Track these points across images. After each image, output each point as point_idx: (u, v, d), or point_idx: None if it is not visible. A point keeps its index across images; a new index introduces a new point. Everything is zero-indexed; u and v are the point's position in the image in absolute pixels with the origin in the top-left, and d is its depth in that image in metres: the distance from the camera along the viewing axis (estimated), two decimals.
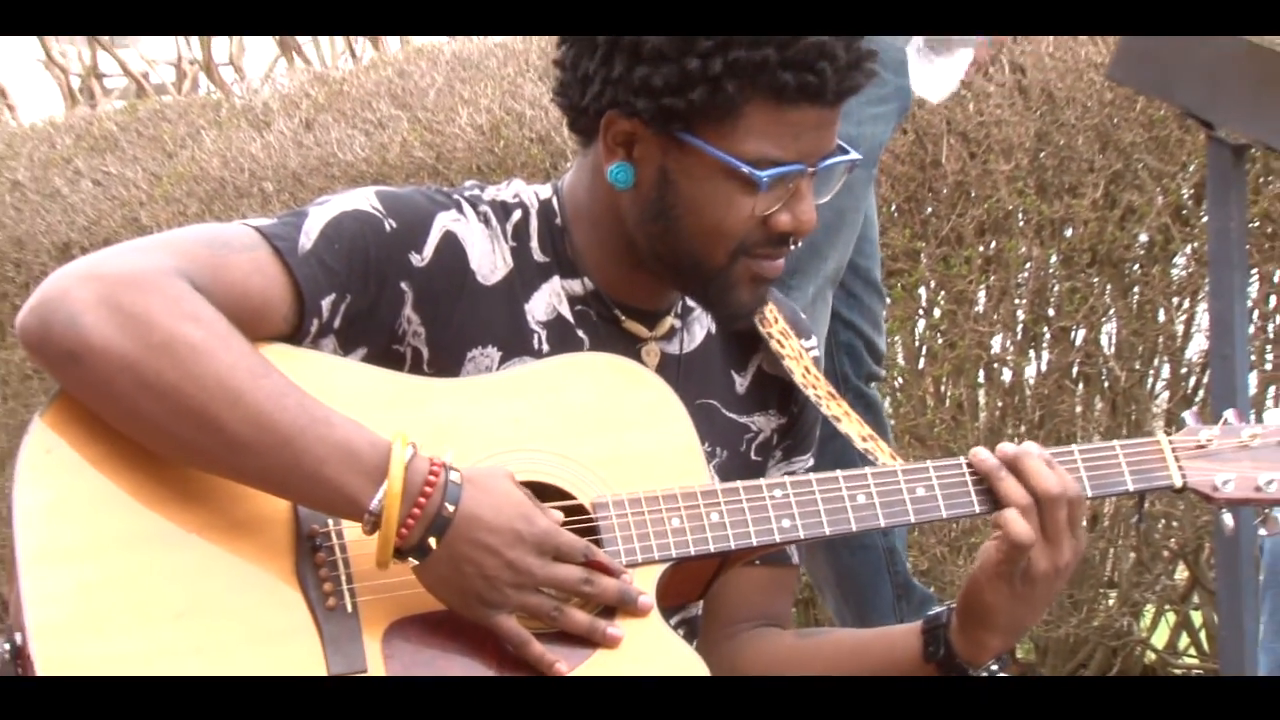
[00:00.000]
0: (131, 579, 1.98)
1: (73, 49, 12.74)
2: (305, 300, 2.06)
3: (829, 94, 2.14)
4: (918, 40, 3.37)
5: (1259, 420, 2.21)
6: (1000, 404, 4.93)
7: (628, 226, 2.20)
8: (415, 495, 1.96)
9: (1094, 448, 2.19)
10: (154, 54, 13.17)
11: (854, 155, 2.24)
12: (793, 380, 2.29)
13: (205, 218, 6.24)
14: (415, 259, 2.14)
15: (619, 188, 2.17)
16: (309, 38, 11.83)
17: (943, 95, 3.45)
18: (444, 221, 2.17)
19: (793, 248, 2.19)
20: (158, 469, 2.01)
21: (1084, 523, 2.13)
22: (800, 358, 2.30)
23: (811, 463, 2.39)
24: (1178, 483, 2.18)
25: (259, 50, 12.40)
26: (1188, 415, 2.24)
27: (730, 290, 2.19)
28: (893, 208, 4.72)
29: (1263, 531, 2.24)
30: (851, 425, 2.27)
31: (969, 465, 2.15)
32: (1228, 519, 2.21)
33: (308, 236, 2.09)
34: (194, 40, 12.15)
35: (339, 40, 11.69)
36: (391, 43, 11.07)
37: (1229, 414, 2.21)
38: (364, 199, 2.14)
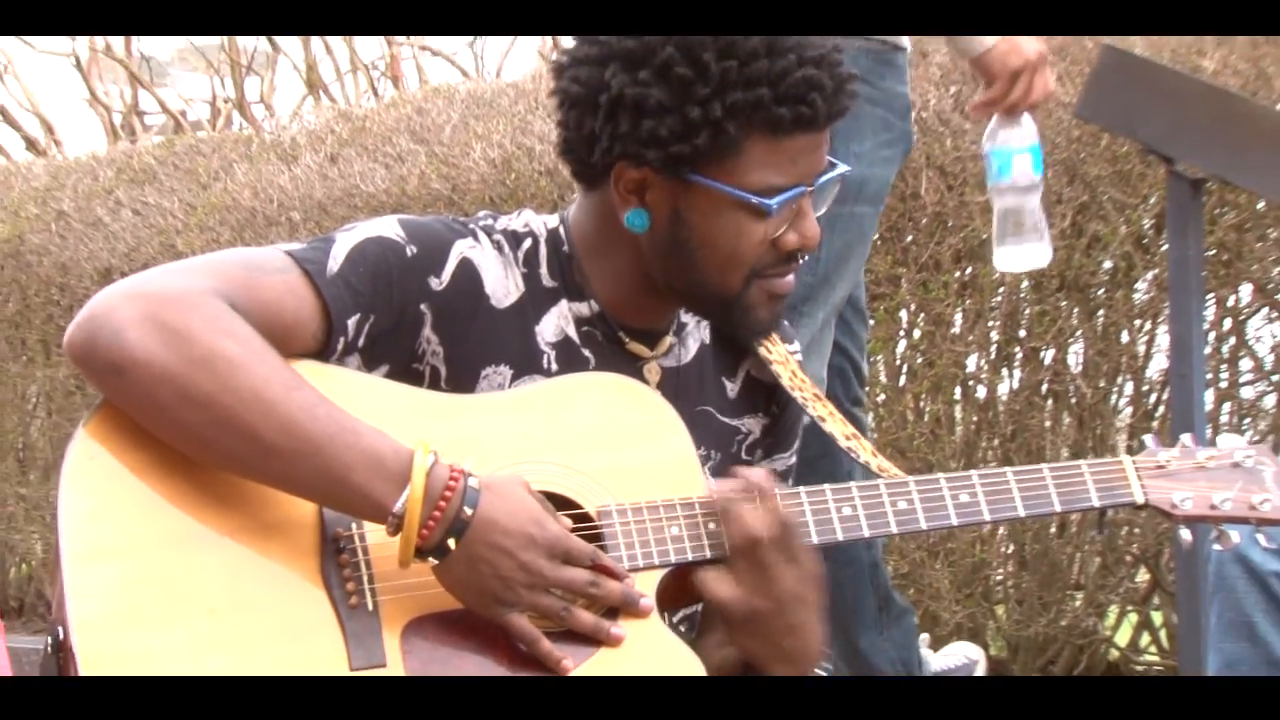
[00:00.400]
0: (167, 577, 1.99)
1: (115, 88, 12.77)
2: (333, 319, 2.08)
3: (821, 120, 2.16)
4: (995, 231, 3.44)
5: (1214, 442, 2.23)
6: (975, 419, 4.93)
7: (643, 264, 2.22)
8: (436, 499, 1.97)
9: (1062, 466, 2.19)
10: (190, 92, 13.20)
11: (843, 168, 2.24)
12: (780, 382, 2.30)
13: (237, 245, 6.24)
14: (434, 283, 2.15)
15: (636, 232, 2.18)
16: (334, 78, 11.83)
17: (1049, 258, 3.49)
18: (461, 249, 2.18)
19: (801, 261, 2.21)
20: (192, 474, 2.02)
21: (797, 552, 2.07)
22: (787, 361, 2.31)
23: (794, 460, 2.41)
24: (1139, 500, 2.19)
25: (288, 89, 12.41)
26: (1148, 438, 2.26)
27: (750, 312, 2.21)
28: (876, 237, 4.71)
29: (1217, 546, 2.24)
30: (835, 425, 2.29)
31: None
32: (1185, 534, 2.22)
33: (335, 260, 2.11)
34: (228, 80, 12.16)
35: (362, 80, 11.69)
36: (411, 82, 11.09)
37: (1185, 438, 2.23)
38: (388, 226, 2.16)
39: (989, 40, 3.37)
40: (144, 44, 12.86)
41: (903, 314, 4.94)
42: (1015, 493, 2.17)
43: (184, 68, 13.75)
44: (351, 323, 2.10)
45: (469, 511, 1.97)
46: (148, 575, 1.98)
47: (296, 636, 2.00)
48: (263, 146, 6.75)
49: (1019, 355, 4.87)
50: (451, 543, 1.98)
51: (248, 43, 12.20)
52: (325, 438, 1.97)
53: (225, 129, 10.39)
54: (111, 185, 7.06)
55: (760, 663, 2.11)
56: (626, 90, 2.13)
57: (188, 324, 1.97)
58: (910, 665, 3.87)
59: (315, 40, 11.75)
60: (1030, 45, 3.37)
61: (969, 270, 4.82)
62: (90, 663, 1.92)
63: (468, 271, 2.17)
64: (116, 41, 12.45)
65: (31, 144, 12.41)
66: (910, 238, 4.79)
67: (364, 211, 5.86)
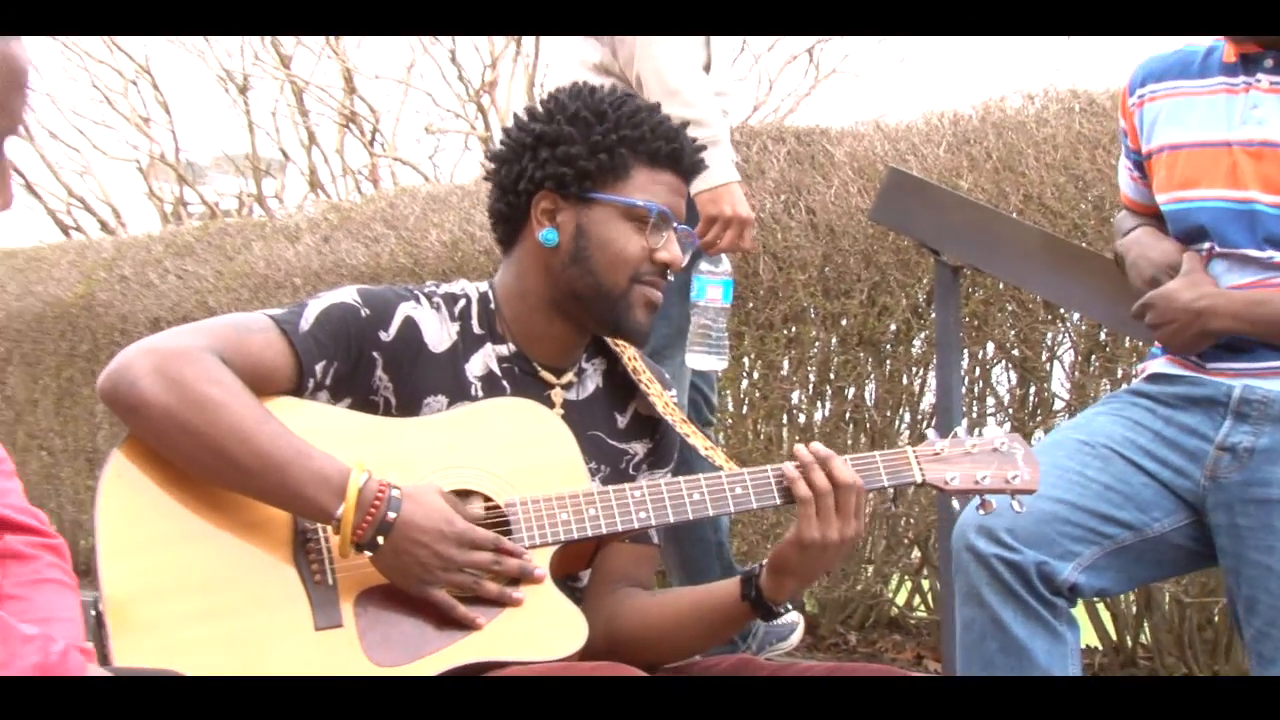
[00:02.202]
0: (177, 564, 1.97)
1: (167, 186, 12.73)
2: (303, 365, 2.06)
3: (685, 161, 2.20)
4: (689, 338, 3.33)
5: (979, 434, 2.23)
6: (797, 438, 4.94)
7: (552, 279, 2.19)
8: (367, 507, 1.95)
9: (861, 457, 2.16)
10: (223, 189, 13.15)
11: (694, 231, 2.26)
12: (658, 410, 2.27)
13: (253, 303, 6.17)
14: (383, 335, 2.12)
15: (548, 246, 2.17)
16: (330, 180, 11.74)
17: (724, 365, 3.44)
18: (405, 309, 2.16)
19: (669, 279, 2.21)
20: (197, 487, 1.99)
21: (856, 514, 2.09)
22: (662, 396, 2.28)
23: (667, 475, 2.36)
24: (918, 479, 2.16)
25: (295, 187, 12.37)
26: (930, 432, 2.25)
27: (630, 311, 2.19)
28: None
29: (982, 511, 2.23)
30: (698, 439, 2.26)
31: (792, 459, 2.12)
32: (955, 504, 2.23)
33: (306, 321, 2.08)
34: (250, 180, 12.07)
35: (350, 181, 11.64)
36: (386, 183, 11.04)
37: (958, 430, 2.22)
38: (348, 294, 2.14)
39: (698, 186, 3.20)
40: (189, 152, 12.78)
41: (745, 361, 4.95)
42: (753, 488, 2.13)
43: (219, 171, 13.64)
44: (319, 368, 2.07)
45: (393, 515, 1.96)
46: (161, 564, 1.96)
47: (275, 605, 1.97)
48: (274, 230, 6.68)
49: (829, 392, 4.88)
50: (380, 539, 1.96)
51: (266, 153, 12.13)
52: (285, 460, 1.95)
53: (247, 216, 10.28)
54: (161, 257, 6.97)
55: (788, 571, 2.11)
56: (547, 131, 2.17)
57: (183, 374, 1.95)
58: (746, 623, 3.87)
59: (315, 151, 11.69)
60: (731, 207, 3.29)
61: (793, 330, 4.84)
62: (116, 628, 1.91)
63: (410, 326, 2.15)
64: (169, 150, 12.36)
65: (103, 225, 12.34)
66: (751, 305, 4.81)
67: (348, 279, 5.81)
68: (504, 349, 2.22)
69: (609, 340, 2.31)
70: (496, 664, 1.99)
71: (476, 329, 2.22)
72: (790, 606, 3.74)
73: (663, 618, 2.21)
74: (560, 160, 2.16)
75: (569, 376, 2.26)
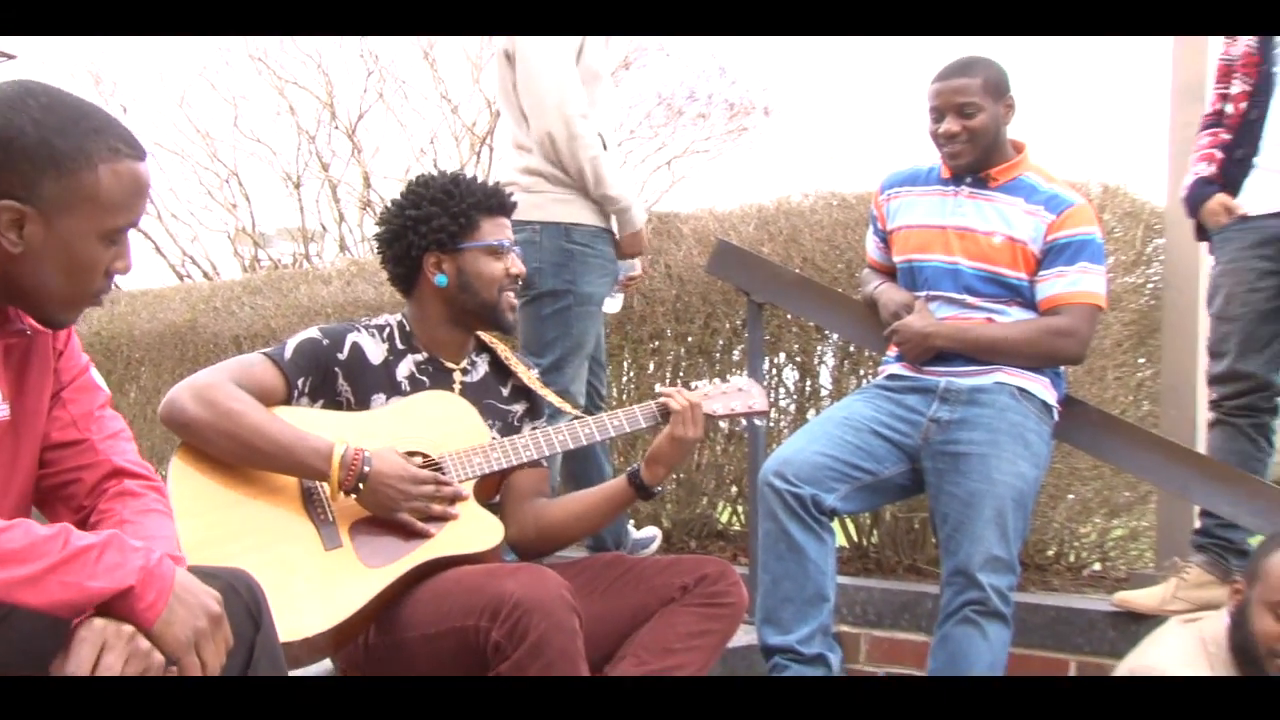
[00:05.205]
0: (225, 521, 1.91)
1: (246, 249, 12.52)
2: (290, 382, 2.02)
3: (507, 205, 2.17)
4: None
5: (729, 380, 2.28)
6: None
7: (448, 306, 2.16)
8: (349, 465, 1.91)
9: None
10: (283, 250, 13.03)
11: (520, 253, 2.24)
12: (526, 381, 2.26)
13: (300, 326, 5.95)
14: (339, 355, 2.09)
15: (441, 287, 2.14)
16: (353, 243, 11.47)
17: (616, 308, 3.59)
18: (352, 337, 2.12)
19: (518, 284, 2.18)
20: (231, 470, 1.94)
21: (701, 422, 2.15)
22: (527, 374, 2.26)
23: (544, 423, 2.33)
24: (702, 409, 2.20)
25: (330, 249, 12.20)
26: (700, 383, 2.27)
27: (503, 314, 2.17)
28: (609, 329, 4.66)
29: (744, 422, 2.31)
30: (551, 396, 2.26)
31: (659, 395, 2.16)
32: (724, 425, 2.31)
33: (288, 353, 2.05)
34: (300, 244, 11.79)
35: (366, 245, 11.42)
36: None
37: (717, 379, 2.28)
38: (314, 331, 2.11)
39: (626, 229, 3.38)
40: (261, 226, 12.53)
41: (624, 364, 4.88)
42: (640, 413, 2.19)
43: (280, 238, 13.41)
44: (300, 382, 2.05)
45: (367, 469, 1.94)
46: (214, 522, 1.91)
47: (296, 538, 1.93)
48: (315, 277, 6.48)
49: (679, 384, 4.82)
50: (360, 486, 1.94)
51: (311, 226, 11.92)
52: (290, 444, 1.92)
53: (298, 268, 10.03)
54: (240, 295, 6.72)
55: (660, 461, 2.16)
56: (418, 213, 2.14)
57: (214, 398, 1.92)
58: (620, 536, 3.79)
59: (344, 225, 11.48)
60: (644, 240, 3.45)
61: (656, 344, 4.77)
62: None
63: (356, 348, 2.12)
64: (248, 224, 12.11)
65: (205, 274, 12.12)
66: (628, 327, 4.75)
67: (364, 310, 5.62)
68: (419, 356, 2.18)
69: (485, 339, 2.28)
70: (448, 559, 1.97)
71: (399, 345, 2.18)
72: (653, 528, 3.67)
73: (577, 509, 2.21)
74: (435, 230, 2.13)
75: (464, 365, 2.23)
